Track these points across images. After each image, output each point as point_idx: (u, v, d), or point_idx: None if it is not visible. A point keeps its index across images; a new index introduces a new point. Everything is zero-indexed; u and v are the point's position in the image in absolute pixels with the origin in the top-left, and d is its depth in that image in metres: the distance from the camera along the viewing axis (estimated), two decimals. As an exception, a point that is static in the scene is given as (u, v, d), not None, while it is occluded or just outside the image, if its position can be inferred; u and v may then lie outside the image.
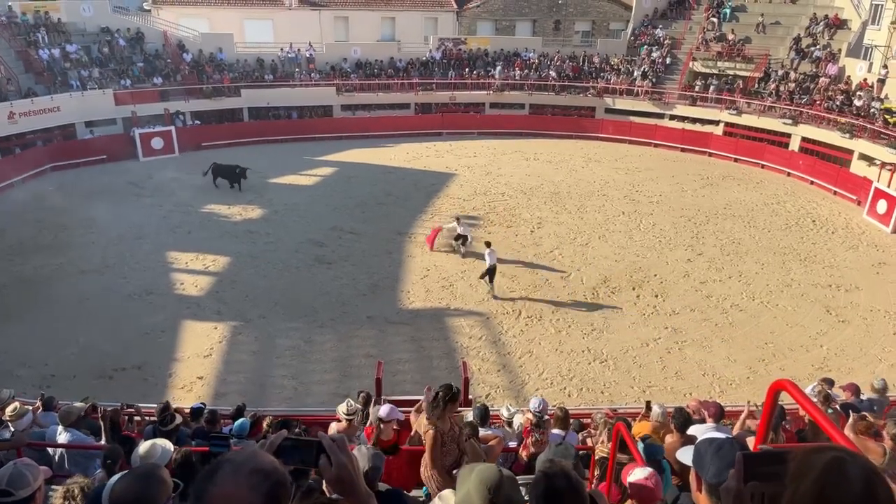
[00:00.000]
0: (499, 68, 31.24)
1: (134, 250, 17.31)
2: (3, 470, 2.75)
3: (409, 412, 7.23)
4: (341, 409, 7.18)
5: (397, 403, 7.01)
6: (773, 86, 27.49)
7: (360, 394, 8.22)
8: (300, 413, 9.25)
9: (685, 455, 2.25)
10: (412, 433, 6.83)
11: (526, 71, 31.55)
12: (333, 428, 7.21)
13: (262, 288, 15.42)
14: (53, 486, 4.33)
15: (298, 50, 30.48)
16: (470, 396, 9.84)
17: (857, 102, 24.40)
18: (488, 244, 15.50)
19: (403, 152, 27.30)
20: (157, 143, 25.74)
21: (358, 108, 30.23)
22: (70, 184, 22.56)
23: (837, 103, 24.91)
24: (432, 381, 11.48)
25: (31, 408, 6.65)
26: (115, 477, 2.56)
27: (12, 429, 6.20)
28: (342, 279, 15.91)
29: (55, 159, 23.99)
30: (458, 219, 17.60)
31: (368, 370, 11.40)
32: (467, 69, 31.64)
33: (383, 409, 6.34)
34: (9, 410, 6.25)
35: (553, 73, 31.18)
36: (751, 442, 4.47)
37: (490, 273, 15.19)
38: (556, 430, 6.73)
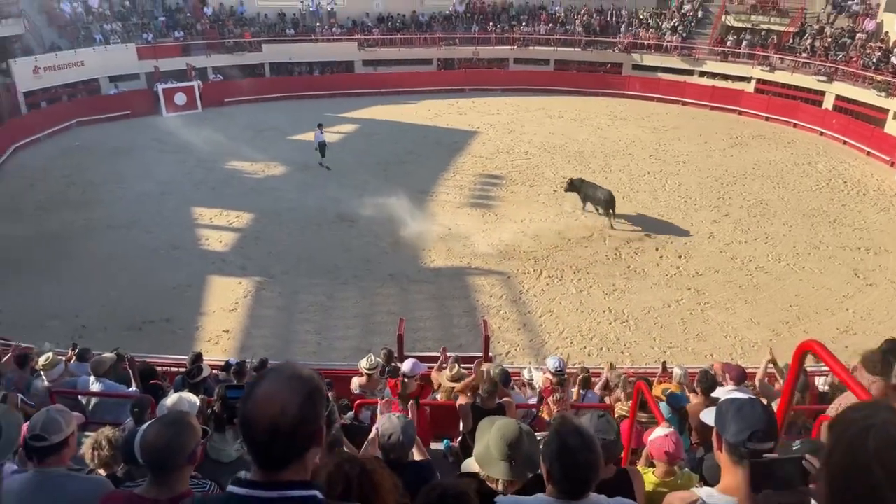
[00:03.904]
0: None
1: (159, 206, 17.52)
2: (36, 416, 2.85)
3: (432, 368, 7.35)
4: (363, 363, 7.30)
5: (418, 360, 7.10)
6: (807, 41, 26.46)
7: (382, 350, 8.35)
8: (323, 367, 9.44)
9: (708, 415, 2.25)
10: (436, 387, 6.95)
11: (551, 25, 30.74)
12: (355, 382, 7.35)
13: (285, 244, 15.57)
14: (86, 433, 4.50)
15: (319, 4, 29.98)
16: (490, 354, 9.93)
17: (895, 60, 23.42)
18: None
19: (425, 109, 26.98)
20: (180, 98, 25.74)
21: (380, 64, 29.81)
22: (95, 139, 22.76)
23: (874, 60, 23.94)
24: (453, 339, 11.68)
25: (63, 358, 6.86)
26: (146, 424, 2.64)
27: (45, 379, 6.42)
28: (364, 237, 15.98)
29: (80, 114, 24.14)
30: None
31: (390, 327, 11.54)
32: (491, 24, 30.91)
33: (407, 365, 6.42)
34: (42, 360, 6.45)
35: (580, 28, 30.35)
36: (774, 404, 4.46)
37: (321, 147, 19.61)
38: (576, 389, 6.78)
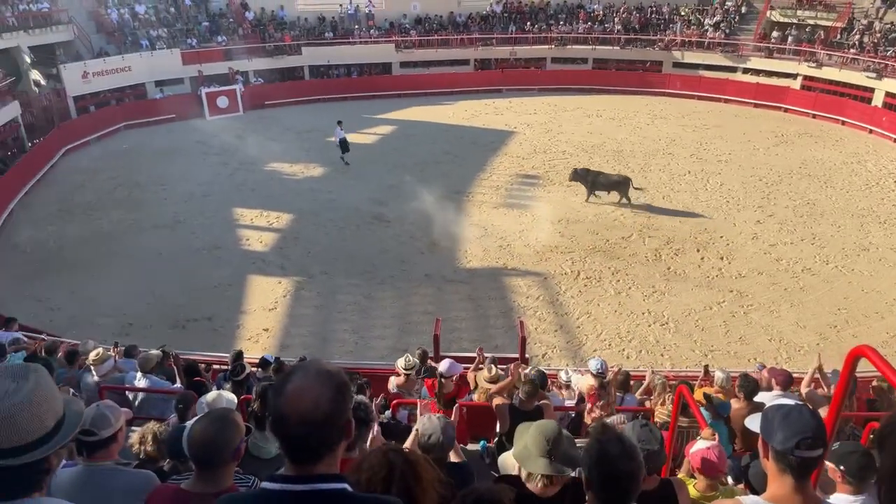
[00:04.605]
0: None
1: (202, 207, 17.94)
2: (87, 411, 2.94)
3: (468, 368, 7.34)
4: (400, 363, 7.34)
5: (455, 360, 7.11)
6: (856, 36, 25.59)
7: (417, 350, 8.38)
8: (360, 366, 9.52)
9: (753, 422, 2.19)
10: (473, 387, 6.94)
11: (590, 23, 30.42)
12: (393, 382, 7.39)
13: (323, 245, 15.76)
14: (133, 428, 4.63)
15: (357, 6, 30.27)
16: (527, 356, 9.88)
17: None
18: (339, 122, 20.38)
19: (462, 110, 27.00)
20: (222, 101, 26.32)
21: (417, 65, 29.95)
22: (142, 142, 23.44)
23: (929, 55, 23.05)
24: (489, 340, 11.65)
25: (113, 354, 7.07)
26: (192, 420, 2.70)
27: (95, 374, 6.63)
28: (401, 237, 16.07)
29: (128, 118, 24.91)
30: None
31: (426, 327, 11.57)
32: (528, 23, 30.75)
33: (444, 365, 6.44)
34: (92, 355, 6.67)
35: (619, 26, 29.95)
36: (823, 411, 4.33)
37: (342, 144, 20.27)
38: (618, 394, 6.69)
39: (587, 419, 6.41)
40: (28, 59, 23.41)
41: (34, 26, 23.57)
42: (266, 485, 1.59)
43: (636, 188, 17.54)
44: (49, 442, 1.60)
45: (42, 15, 24.24)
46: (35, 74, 23.77)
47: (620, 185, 17.44)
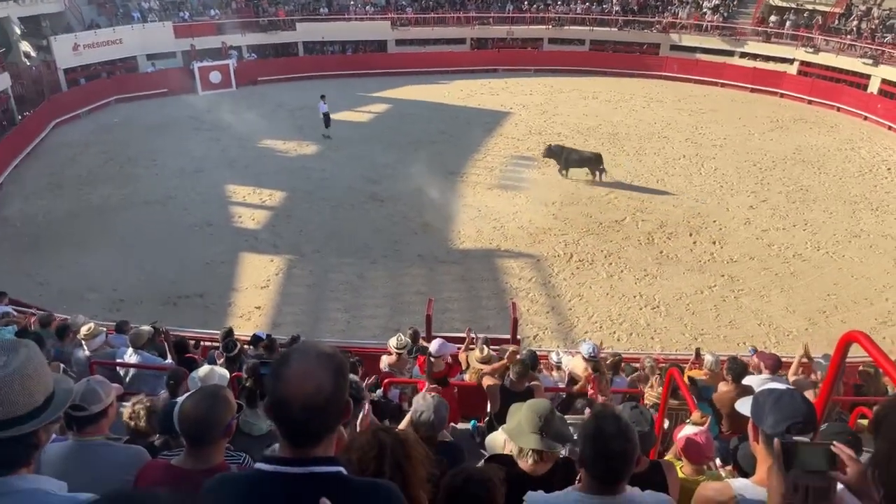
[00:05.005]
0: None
1: (194, 183, 17.80)
2: (77, 386, 2.92)
3: (459, 348, 7.37)
4: (392, 342, 7.35)
5: (446, 340, 7.12)
6: (854, 22, 25.50)
7: (408, 329, 8.40)
8: (352, 345, 9.54)
9: (743, 405, 2.20)
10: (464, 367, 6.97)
11: (587, 4, 30.13)
12: (385, 361, 7.41)
13: (316, 223, 15.70)
14: (123, 403, 4.62)
15: (353, -19, 29.85)
16: (518, 337, 9.92)
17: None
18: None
19: (458, 90, 26.79)
20: (215, 76, 26.00)
21: (413, 43, 29.63)
22: (133, 116, 23.15)
23: (927, 42, 23.00)
24: (481, 321, 11.68)
25: (104, 329, 7.04)
26: (184, 396, 2.69)
27: (86, 349, 6.61)
28: (394, 217, 16.02)
29: (119, 92, 24.58)
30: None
31: (418, 307, 11.58)
32: (526, 3, 30.43)
33: (434, 345, 6.46)
34: (84, 330, 6.63)
35: (617, 7, 29.69)
36: (810, 395, 4.37)
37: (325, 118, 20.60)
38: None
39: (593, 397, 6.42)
40: (18, 31, 23.00)
41: (24, -4, 23.12)
42: (260, 465, 1.56)
43: (600, 169, 17.88)
44: (38, 417, 1.59)
45: (31, -16, 23.74)
46: (25, 46, 23.38)
47: (591, 161, 17.91)
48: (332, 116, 21.38)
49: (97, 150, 20.07)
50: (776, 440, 1.67)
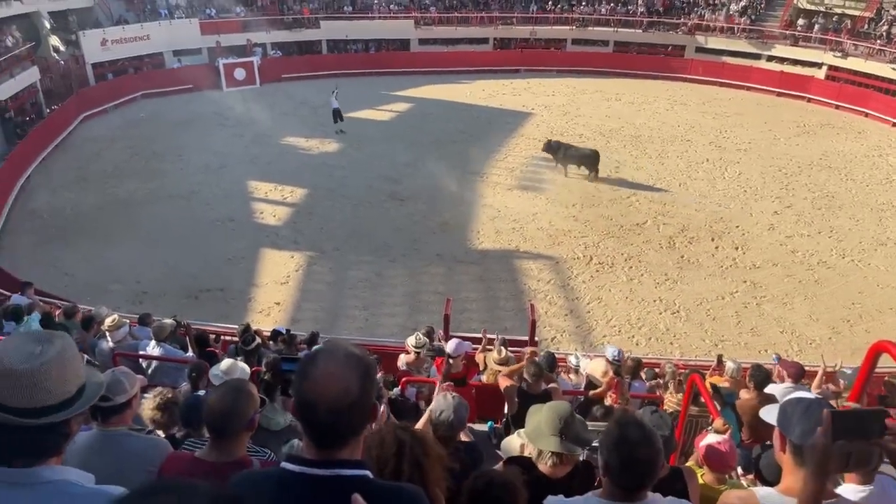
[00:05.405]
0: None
1: (218, 178, 17.99)
2: (102, 376, 2.96)
3: (477, 348, 7.36)
4: (410, 341, 7.37)
5: (463, 340, 7.12)
6: (884, 27, 25.02)
7: (424, 327, 8.41)
8: (370, 343, 9.58)
9: (769, 414, 2.17)
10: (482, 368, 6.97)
11: (612, 5, 29.92)
12: (402, 359, 7.43)
13: (336, 221, 15.79)
14: (145, 395, 4.68)
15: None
16: (536, 339, 9.88)
17: None
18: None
19: (480, 89, 26.76)
20: (239, 73, 26.24)
21: (436, 42, 29.64)
22: (159, 111, 23.46)
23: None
24: (498, 322, 11.66)
25: (128, 321, 7.15)
26: (210, 389, 2.73)
27: (110, 340, 6.71)
28: (414, 216, 16.05)
29: (145, 87, 24.90)
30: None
31: (436, 306, 11.59)
32: (550, 3, 30.30)
33: (451, 345, 6.46)
34: (108, 321, 6.74)
35: (642, 9, 29.44)
36: (834, 405, 4.29)
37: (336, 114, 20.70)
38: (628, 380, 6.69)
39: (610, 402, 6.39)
40: (48, 25, 23.41)
41: (55, -8, 23.54)
42: (286, 465, 1.55)
43: (595, 168, 18.01)
44: (71, 407, 1.61)
45: (62, -20, 24.17)
46: (54, 40, 23.78)
47: (588, 158, 18.04)
48: (355, 115, 21.49)
49: (123, 145, 20.37)
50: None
